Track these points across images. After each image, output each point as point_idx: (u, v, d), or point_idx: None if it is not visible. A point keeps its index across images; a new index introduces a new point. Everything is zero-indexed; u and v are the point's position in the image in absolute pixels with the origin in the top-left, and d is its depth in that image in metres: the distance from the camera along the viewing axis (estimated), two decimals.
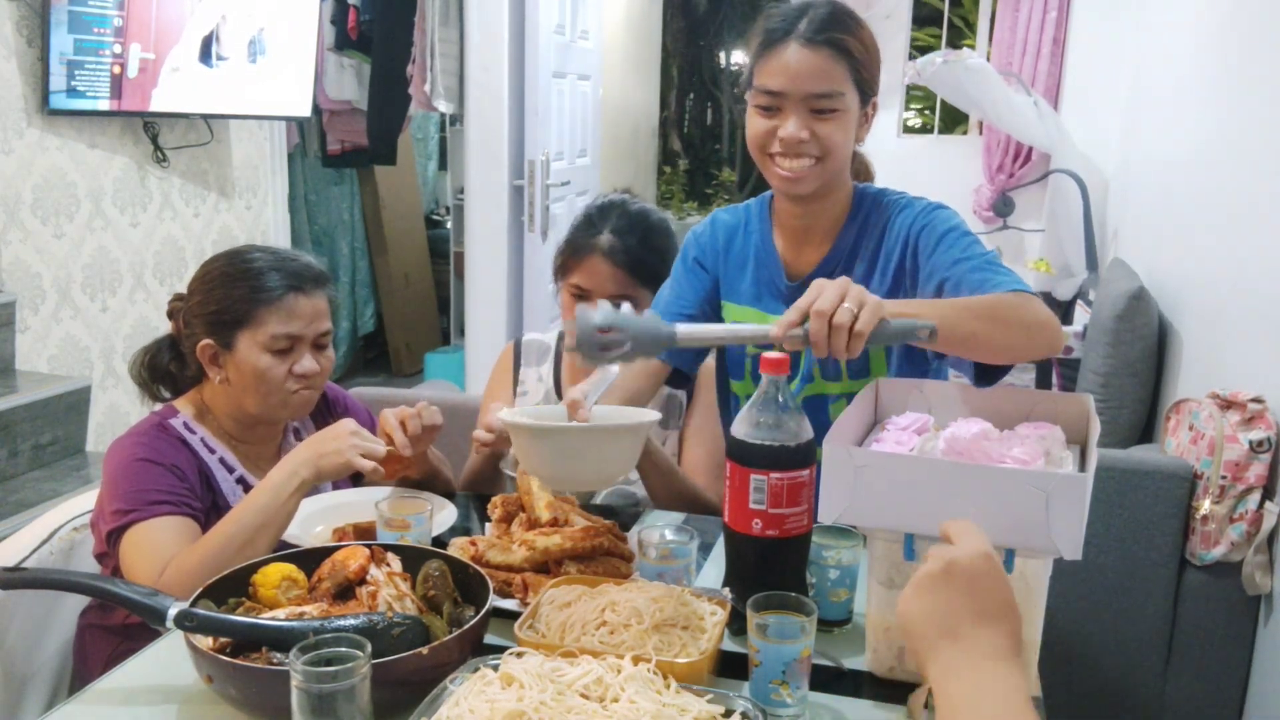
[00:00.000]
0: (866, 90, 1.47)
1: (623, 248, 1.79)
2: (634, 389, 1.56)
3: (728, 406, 1.74)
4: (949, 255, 1.43)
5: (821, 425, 1.19)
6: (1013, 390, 1.36)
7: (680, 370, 1.66)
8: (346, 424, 1.45)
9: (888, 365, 1.58)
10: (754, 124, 1.47)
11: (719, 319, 1.64)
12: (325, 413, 1.74)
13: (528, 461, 1.23)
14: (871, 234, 1.52)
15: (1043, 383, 3.46)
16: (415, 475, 1.66)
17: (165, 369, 1.63)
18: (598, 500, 1.75)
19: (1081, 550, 1.01)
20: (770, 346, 1.17)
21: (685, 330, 1.17)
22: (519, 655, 1.04)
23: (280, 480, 1.40)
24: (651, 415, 1.27)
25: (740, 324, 1.10)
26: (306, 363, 1.55)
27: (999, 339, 1.29)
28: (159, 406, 1.61)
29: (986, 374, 1.40)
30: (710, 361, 1.77)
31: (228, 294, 1.54)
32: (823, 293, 1.13)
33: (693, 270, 1.65)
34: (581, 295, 1.83)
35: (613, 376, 1.36)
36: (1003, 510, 1.02)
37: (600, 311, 1.12)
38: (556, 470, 1.21)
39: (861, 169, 1.69)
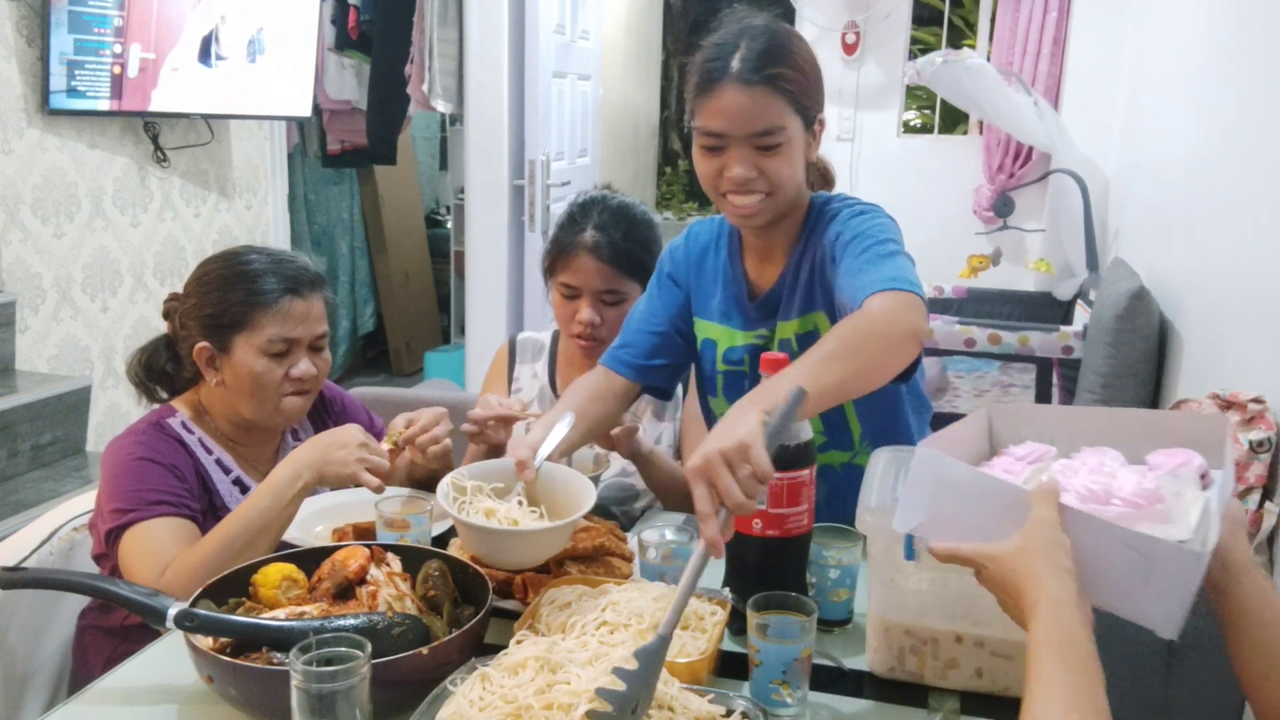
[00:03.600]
0: (809, 113, 1.44)
1: (607, 242, 1.79)
2: (597, 414, 1.52)
3: (710, 420, 1.74)
4: (844, 262, 1.38)
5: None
6: (1146, 414, 1.17)
7: (659, 387, 1.64)
8: (355, 433, 1.43)
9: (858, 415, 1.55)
10: (701, 163, 1.46)
11: (690, 334, 1.64)
12: (323, 412, 1.73)
13: (464, 541, 1.29)
14: (815, 245, 1.51)
15: (1043, 383, 3.45)
16: (417, 476, 1.66)
17: (162, 369, 1.62)
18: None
19: (1179, 629, 0.86)
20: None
21: (666, 631, 0.99)
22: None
23: (283, 482, 1.40)
24: (588, 502, 1.27)
25: (688, 572, 1.01)
26: (303, 366, 1.55)
27: (869, 372, 1.18)
28: (157, 406, 1.60)
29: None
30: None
31: (224, 297, 1.53)
32: (715, 478, 1.00)
33: (666, 286, 1.65)
34: (571, 293, 1.83)
35: (566, 427, 1.39)
36: (1097, 564, 0.89)
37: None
38: (484, 556, 1.27)
39: (822, 176, 1.67)
